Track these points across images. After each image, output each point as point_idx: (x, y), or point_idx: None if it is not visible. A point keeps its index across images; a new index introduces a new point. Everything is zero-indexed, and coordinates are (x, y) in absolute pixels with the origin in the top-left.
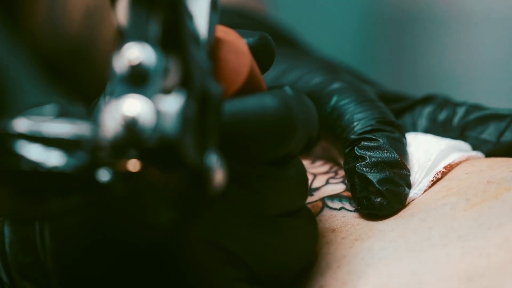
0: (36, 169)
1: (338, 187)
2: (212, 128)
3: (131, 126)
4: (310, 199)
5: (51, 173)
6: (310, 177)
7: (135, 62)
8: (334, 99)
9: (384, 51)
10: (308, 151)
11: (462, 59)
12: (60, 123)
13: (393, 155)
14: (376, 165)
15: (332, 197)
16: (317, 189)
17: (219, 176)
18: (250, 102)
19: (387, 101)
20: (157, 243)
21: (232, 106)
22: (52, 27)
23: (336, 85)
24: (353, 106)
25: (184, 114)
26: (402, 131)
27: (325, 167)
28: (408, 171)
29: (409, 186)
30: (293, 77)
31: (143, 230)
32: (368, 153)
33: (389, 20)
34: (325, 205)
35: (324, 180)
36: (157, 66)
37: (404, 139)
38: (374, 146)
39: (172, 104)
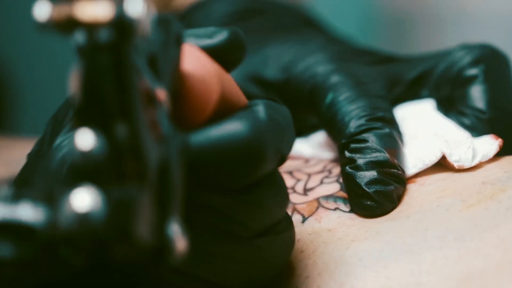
0: None
1: (332, 187)
2: (173, 197)
3: (82, 219)
4: (305, 199)
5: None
6: (304, 177)
7: (87, 149)
8: (329, 97)
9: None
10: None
11: None
12: (12, 207)
13: (381, 154)
14: (364, 167)
15: (327, 197)
16: (312, 189)
17: (180, 244)
18: (218, 131)
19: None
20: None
21: (199, 137)
22: None
23: (333, 80)
24: (346, 105)
25: (136, 204)
26: (394, 124)
27: (319, 167)
28: (399, 167)
29: (401, 182)
30: (300, 69)
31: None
32: (357, 155)
33: (388, 21)
34: (320, 205)
35: (318, 180)
36: (109, 155)
37: (395, 133)
38: (362, 147)
39: (125, 193)
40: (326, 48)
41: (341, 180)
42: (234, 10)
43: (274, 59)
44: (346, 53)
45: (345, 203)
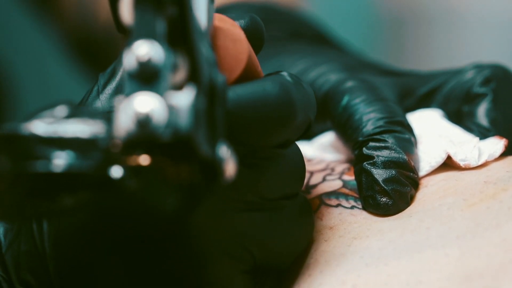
0: (51, 170)
1: (335, 184)
2: (221, 118)
3: (144, 123)
4: (307, 197)
5: (65, 174)
6: (307, 175)
7: (144, 59)
8: (345, 99)
9: (383, 53)
10: (306, 135)
11: (461, 61)
12: (73, 123)
13: (400, 156)
14: (383, 165)
15: (329, 194)
16: (314, 186)
17: (230, 166)
18: (251, 88)
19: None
20: (160, 231)
21: (234, 93)
22: (83, 14)
23: (349, 84)
24: (363, 106)
25: (196, 108)
26: (411, 130)
27: (322, 165)
28: (416, 172)
29: (416, 186)
30: (313, 76)
31: (150, 219)
32: (376, 153)
33: (387, 21)
34: (322, 202)
35: (320, 177)
36: (166, 62)
37: (413, 139)
38: (382, 146)
39: (183, 99)
40: (338, 59)
41: (344, 177)
42: None
43: (286, 68)
44: (357, 64)
45: (347, 199)
